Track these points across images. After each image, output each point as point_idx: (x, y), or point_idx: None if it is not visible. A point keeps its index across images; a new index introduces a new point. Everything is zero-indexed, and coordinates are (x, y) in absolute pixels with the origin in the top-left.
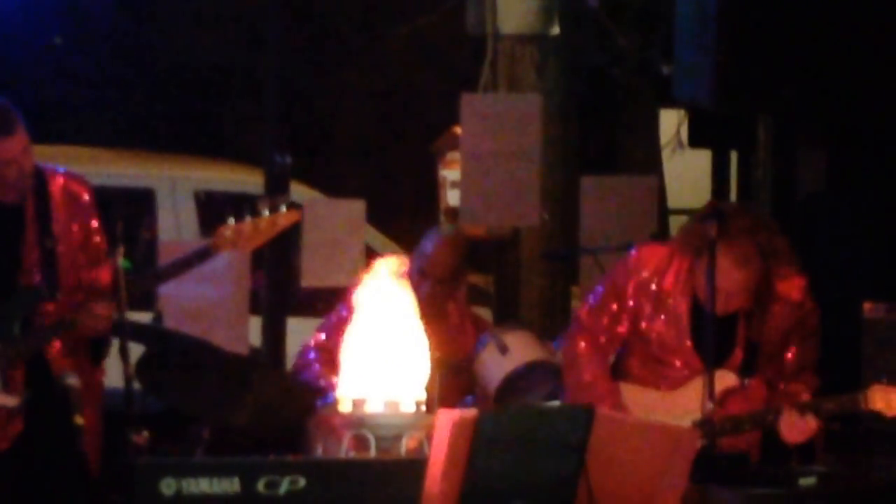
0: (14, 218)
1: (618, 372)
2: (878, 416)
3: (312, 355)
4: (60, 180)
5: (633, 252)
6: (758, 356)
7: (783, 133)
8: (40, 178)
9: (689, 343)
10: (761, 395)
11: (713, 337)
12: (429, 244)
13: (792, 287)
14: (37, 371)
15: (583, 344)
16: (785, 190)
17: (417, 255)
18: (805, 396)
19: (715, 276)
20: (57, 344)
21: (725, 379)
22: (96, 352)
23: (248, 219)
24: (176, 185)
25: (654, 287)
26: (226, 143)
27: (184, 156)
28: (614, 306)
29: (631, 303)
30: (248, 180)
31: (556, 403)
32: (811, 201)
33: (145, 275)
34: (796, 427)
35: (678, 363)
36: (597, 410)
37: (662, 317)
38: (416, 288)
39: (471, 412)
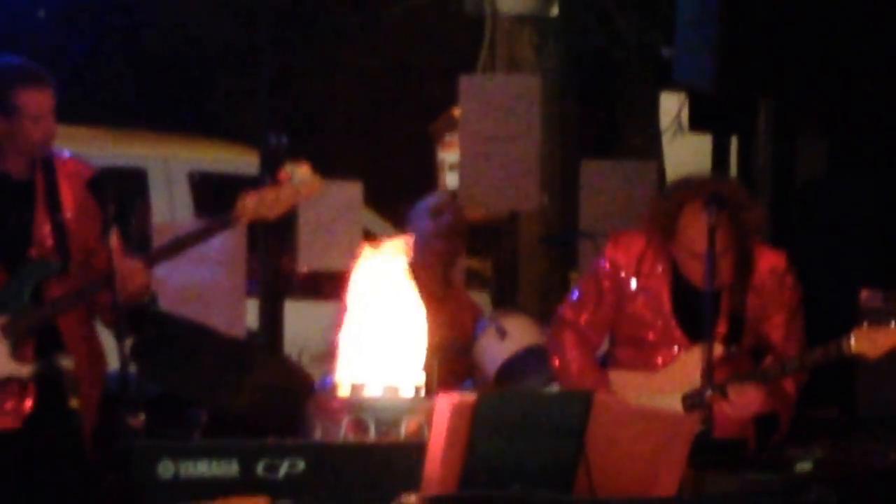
0: (24, 192)
1: (608, 361)
2: (863, 358)
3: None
4: (66, 160)
5: (609, 242)
6: (742, 328)
7: (784, 118)
8: (47, 156)
9: (673, 321)
10: (747, 366)
11: (710, 316)
12: (429, 198)
13: (772, 258)
14: (48, 344)
15: (568, 338)
16: (785, 176)
17: (420, 209)
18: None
19: (693, 247)
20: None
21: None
22: (136, 318)
23: (269, 187)
24: (169, 165)
25: (632, 273)
26: (219, 123)
27: (176, 135)
28: (595, 298)
29: (611, 293)
30: (242, 160)
31: (555, 388)
32: (811, 188)
33: (165, 245)
34: (741, 400)
35: (664, 342)
36: (595, 395)
37: (643, 299)
38: (423, 243)
39: (470, 396)
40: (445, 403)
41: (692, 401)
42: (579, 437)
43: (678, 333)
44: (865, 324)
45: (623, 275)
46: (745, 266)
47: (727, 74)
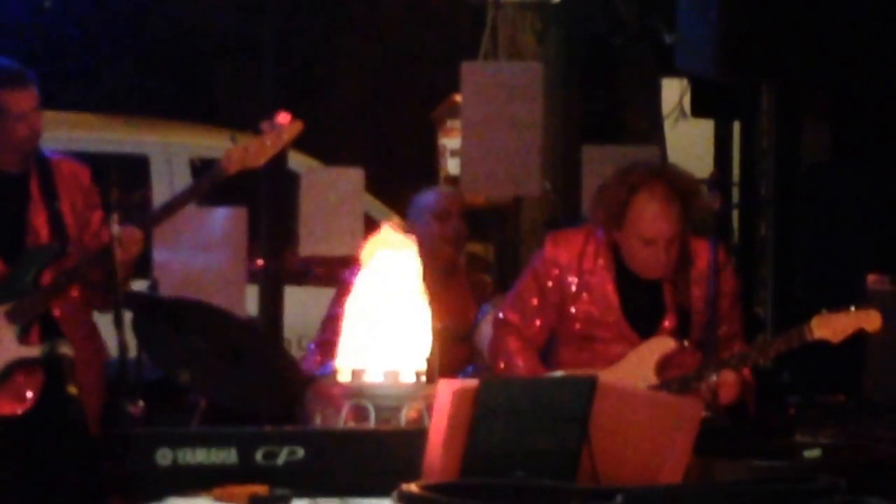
0: (19, 186)
1: (550, 364)
2: (826, 344)
3: (313, 348)
4: (60, 160)
5: (548, 243)
6: (690, 322)
7: (787, 103)
8: (41, 154)
9: (621, 317)
10: (695, 359)
11: (716, 318)
12: (430, 196)
13: (708, 248)
14: (48, 331)
15: (512, 342)
16: (788, 160)
17: (422, 209)
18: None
19: (646, 233)
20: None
21: (664, 344)
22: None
23: (253, 137)
24: (171, 152)
25: (574, 272)
26: (221, 110)
27: (179, 122)
28: (536, 300)
29: (552, 294)
30: None
31: (558, 374)
32: (815, 172)
33: (158, 208)
34: (721, 386)
35: (612, 339)
36: (599, 381)
37: (586, 295)
38: (429, 245)
39: (472, 382)
40: (447, 390)
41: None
42: (583, 423)
43: (626, 329)
44: (825, 310)
45: (564, 274)
46: (685, 259)
47: (729, 60)
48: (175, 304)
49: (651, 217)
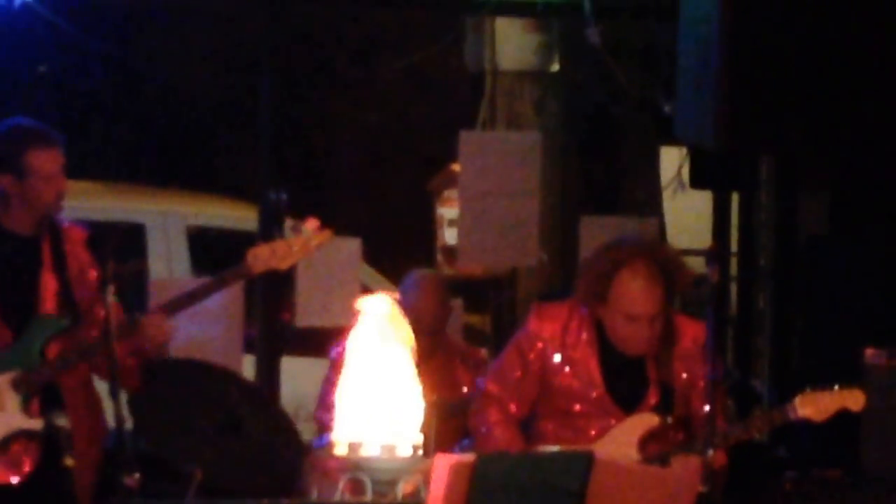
0: (30, 250)
1: (532, 437)
2: (809, 422)
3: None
4: (70, 226)
5: (532, 316)
6: (673, 398)
7: (786, 174)
8: (52, 219)
9: (603, 391)
10: (679, 436)
11: (713, 364)
12: (410, 294)
13: (693, 328)
14: (49, 401)
15: (493, 414)
16: (787, 232)
17: (402, 292)
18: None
19: (630, 309)
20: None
21: (648, 420)
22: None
23: (280, 239)
24: (167, 220)
25: (557, 346)
26: (218, 177)
27: (175, 190)
28: (519, 373)
29: (535, 367)
30: (241, 216)
31: (555, 448)
32: (814, 244)
33: (178, 296)
34: (686, 470)
35: (594, 414)
36: (596, 456)
37: (569, 370)
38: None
39: (469, 456)
40: (444, 463)
41: None
42: (580, 498)
43: (610, 404)
44: (808, 388)
45: (548, 348)
46: (668, 334)
47: (727, 130)
48: (175, 364)
49: (635, 294)
